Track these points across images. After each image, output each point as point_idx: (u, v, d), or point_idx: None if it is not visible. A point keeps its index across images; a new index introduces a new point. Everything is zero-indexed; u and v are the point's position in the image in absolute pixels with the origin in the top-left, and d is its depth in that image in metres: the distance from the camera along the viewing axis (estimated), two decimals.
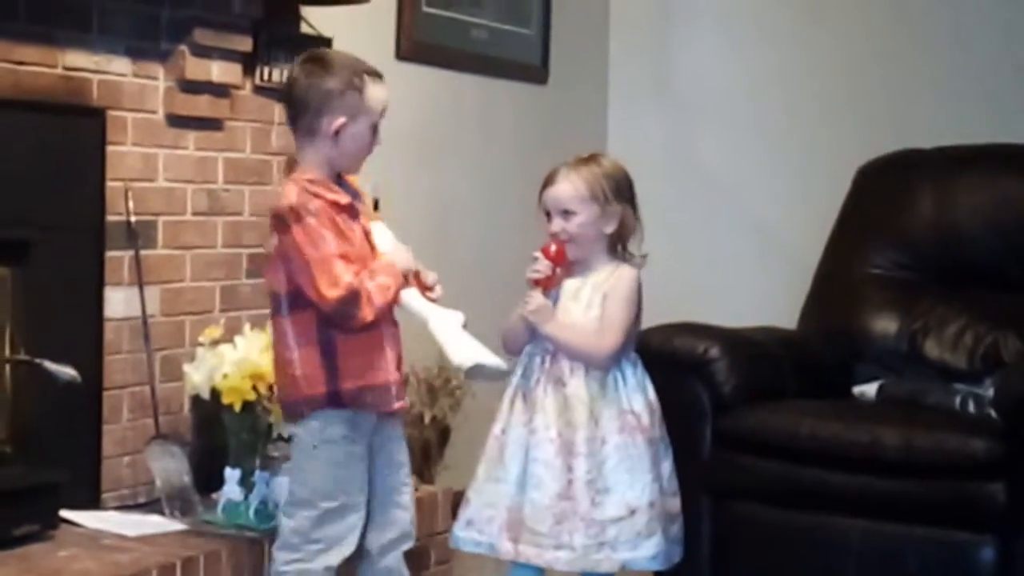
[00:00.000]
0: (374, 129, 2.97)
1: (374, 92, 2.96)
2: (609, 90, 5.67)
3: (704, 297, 5.16)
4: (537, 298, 3.10)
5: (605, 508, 3.05)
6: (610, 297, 3.10)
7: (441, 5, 4.74)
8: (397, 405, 2.98)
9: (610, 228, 3.12)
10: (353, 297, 2.82)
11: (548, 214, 3.14)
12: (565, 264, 3.12)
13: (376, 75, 2.98)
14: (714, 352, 3.79)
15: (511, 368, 3.12)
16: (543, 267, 3.09)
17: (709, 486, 3.76)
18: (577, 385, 3.09)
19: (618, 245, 3.16)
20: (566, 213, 3.10)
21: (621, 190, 3.15)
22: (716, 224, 5.48)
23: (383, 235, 3.00)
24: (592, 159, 3.17)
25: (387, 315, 2.93)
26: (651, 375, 3.83)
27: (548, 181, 3.14)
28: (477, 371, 2.96)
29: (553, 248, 3.09)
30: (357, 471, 2.97)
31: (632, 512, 3.05)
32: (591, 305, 3.13)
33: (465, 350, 2.93)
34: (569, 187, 3.11)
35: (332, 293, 2.81)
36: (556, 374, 3.11)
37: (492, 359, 2.96)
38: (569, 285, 3.15)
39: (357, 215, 2.96)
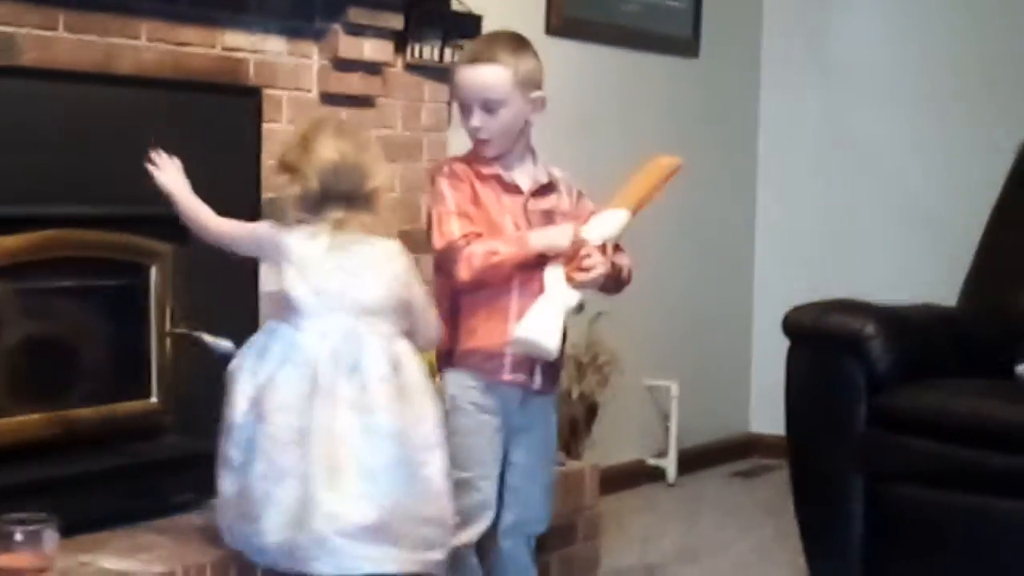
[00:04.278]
0: (462, 109, 2.95)
1: (456, 77, 2.96)
2: (762, 63, 5.61)
3: (860, 273, 5.09)
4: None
5: None
6: None
7: None
8: (508, 376, 2.92)
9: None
10: (452, 252, 2.84)
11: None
12: None
13: (467, 60, 2.95)
14: (870, 329, 3.71)
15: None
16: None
17: (863, 466, 3.70)
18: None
19: None
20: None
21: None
22: (873, 199, 5.39)
23: (600, 225, 2.95)
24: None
25: (514, 282, 2.88)
26: (804, 353, 3.79)
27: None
28: (520, 344, 2.86)
29: None
30: (490, 443, 2.95)
31: None
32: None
33: (528, 324, 2.84)
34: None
35: (437, 244, 2.87)
36: None
37: (550, 343, 2.84)
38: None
39: (513, 190, 2.95)
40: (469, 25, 3.93)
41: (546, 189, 3.01)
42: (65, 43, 3.06)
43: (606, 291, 3.01)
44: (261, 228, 2.87)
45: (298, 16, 3.54)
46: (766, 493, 4.94)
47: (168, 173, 2.95)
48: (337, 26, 3.59)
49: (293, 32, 3.55)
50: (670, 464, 5.08)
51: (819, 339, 3.75)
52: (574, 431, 4.38)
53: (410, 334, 2.84)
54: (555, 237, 2.90)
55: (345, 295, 2.77)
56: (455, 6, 3.98)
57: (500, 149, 2.93)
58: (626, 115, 4.93)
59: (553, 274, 2.89)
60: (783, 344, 3.83)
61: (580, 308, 2.89)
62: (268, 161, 3.48)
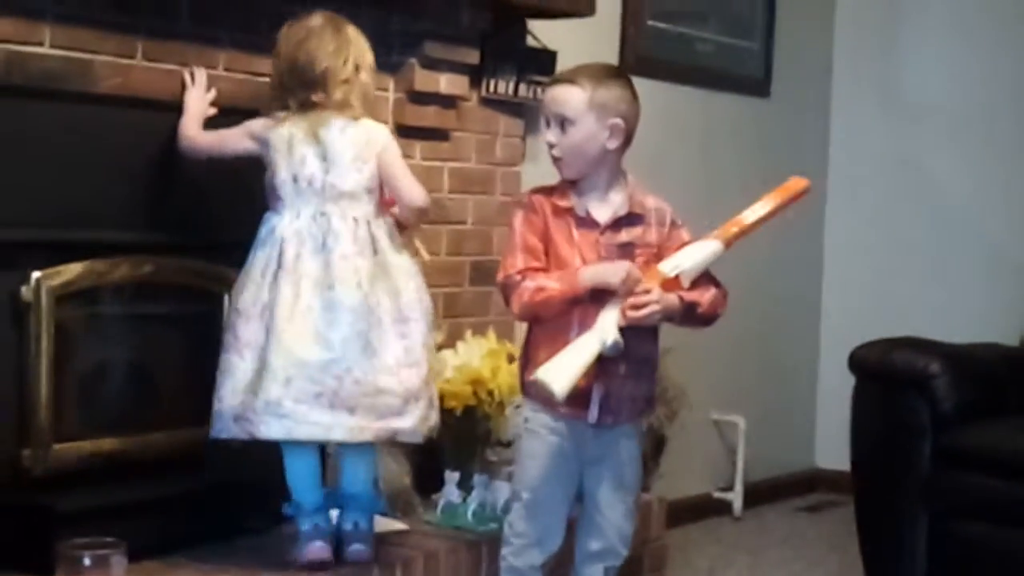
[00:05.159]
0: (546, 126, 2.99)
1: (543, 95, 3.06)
2: (832, 103, 5.62)
3: (926, 311, 5.08)
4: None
5: None
6: None
7: (666, 19, 4.77)
8: (563, 408, 2.88)
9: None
10: (505, 286, 2.91)
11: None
12: None
13: (552, 80, 3.05)
14: (935, 368, 3.72)
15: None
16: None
17: (927, 503, 3.70)
18: None
19: None
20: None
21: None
22: (941, 238, 5.38)
23: (680, 256, 2.93)
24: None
25: (574, 316, 2.86)
26: (869, 390, 3.80)
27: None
28: (536, 387, 2.84)
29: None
30: (558, 467, 2.95)
31: None
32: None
33: (550, 366, 2.80)
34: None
35: (499, 276, 2.94)
36: None
37: (557, 386, 2.78)
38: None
39: (588, 224, 2.92)
40: (544, 61, 3.99)
41: (627, 221, 2.96)
42: (143, 71, 3.13)
43: (682, 324, 2.99)
44: (248, 123, 3.12)
45: (375, 49, 3.58)
46: (831, 528, 4.93)
47: (193, 94, 3.19)
48: (413, 60, 3.66)
49: None
50: (736, 498, 5.09)
51: (885, 377, 3.76)
52: (642, 464, 4.39)
53: (399, 200, 3.10)
54: (606, 274, 2.86)
55: (319, 180, 3.02)
56: (530, 42, 4.04)
57: (575, 172, 2.94)
58: (697, 153, 4.96)
59: (607, 310, 2.85)
60: (849, 381, 3.84)
61: (614, 349, 2.82)
62: None
